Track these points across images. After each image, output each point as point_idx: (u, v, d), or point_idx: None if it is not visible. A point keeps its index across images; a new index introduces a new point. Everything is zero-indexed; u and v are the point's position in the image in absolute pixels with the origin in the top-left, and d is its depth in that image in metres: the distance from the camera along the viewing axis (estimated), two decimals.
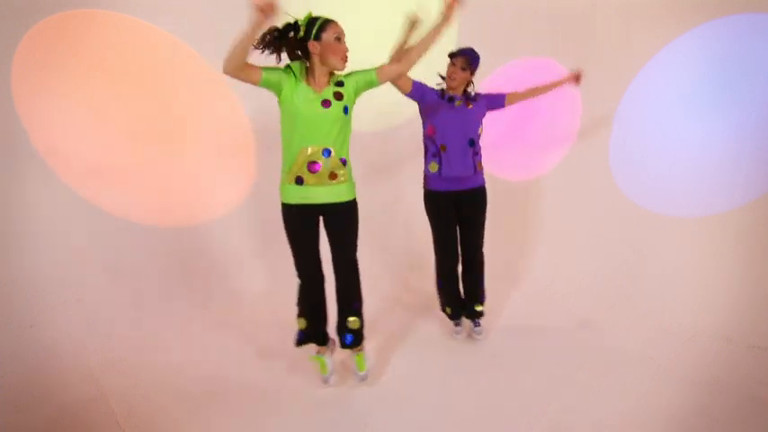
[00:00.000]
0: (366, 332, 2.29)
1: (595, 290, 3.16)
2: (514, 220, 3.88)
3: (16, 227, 2.62)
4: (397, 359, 2.51)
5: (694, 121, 3.22)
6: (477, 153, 2.47)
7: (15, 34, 2.49)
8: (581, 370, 2.36)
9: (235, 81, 1.87)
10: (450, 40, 3.54)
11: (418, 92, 2.40)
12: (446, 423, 2.02)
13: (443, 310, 2.74)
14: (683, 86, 3.24)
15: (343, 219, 2.09)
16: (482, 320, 2.72)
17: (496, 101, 2.52)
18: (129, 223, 2.95)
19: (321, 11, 1.96)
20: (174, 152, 3.07)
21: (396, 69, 2.03)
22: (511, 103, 2.53)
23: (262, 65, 1.88)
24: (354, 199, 2.10)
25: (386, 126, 3.81)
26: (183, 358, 2.52)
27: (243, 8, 3.05)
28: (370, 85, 2.02)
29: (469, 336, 2.71)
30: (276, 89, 1.92)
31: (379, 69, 2.01)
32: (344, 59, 1.94)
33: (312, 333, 2.21)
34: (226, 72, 1.78)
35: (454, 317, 2.71)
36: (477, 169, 2.48)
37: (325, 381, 2.25)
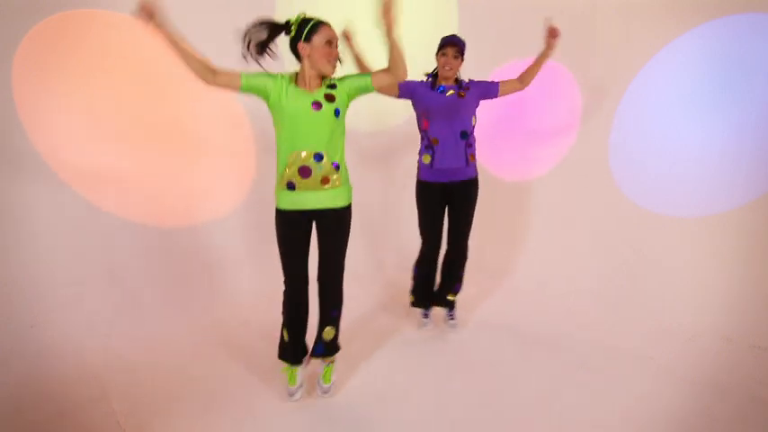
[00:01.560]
0: (358, 333, 2.27)
1: (595, 290, 3.16)
2: (515, 219, 3.89)
3: (16, 227, 2.62)
4: (395, 359, 2.51)
5: (694, 121, 3.21)
6: (470, 145, 2.46)
7: (15, 35, 2.49)
8: (581, 370, 2.36)
9: None
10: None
11: (407, 91, 2.41)
12: (446, 423, 2.02)
13: (411, 301, 2.73)
14: (683, 86, 3.24)
15: (336, 225, 2.03)
16: (482, 319, 2.72)
17: (490, 90, 2.46)
18: (129, 223, 2.95)
19: (319, 9, 1.95)
20: (174, 152, 3.07)
21: (389, 78, 1.88)
22: (505, 92, 2.46)
23: (244, 71, 1.86)
24: (349, 205, 2.05)
25: (382, 126, 3.82)
26: (183, 358, 2.52)
27: (243, 8, 3.07)
28: (365, 90, 1.95)
29: (443, 327, 2.72)
30: (262, 94, 1.87)
31: (373, 75, 1.91)
32: (333, 64, 1.87)
33: (291, 347, 2.14)
34: (207, 84, 1.82)
35: (415, 304, 2.71)
36: (469, 161, 2.46)
37: (291, 394, 2.13)
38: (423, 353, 2.58)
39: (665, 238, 3.33)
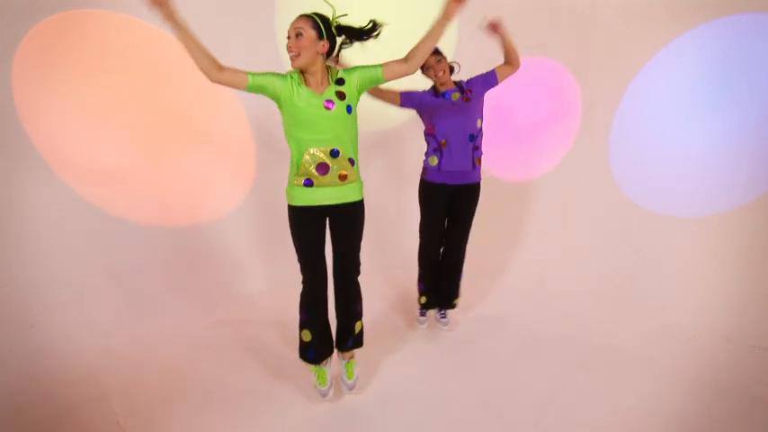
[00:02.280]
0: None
1: (595, 290, 3.16)
2: (515, 220, 3.89)
3: (16, 227, 2.62)
4: (397, 359, 2.51)
5: (694, 121, 3.22)
6: (477, 148, 2.47)
7: (15, 35, 2.49)
8: (581, 370, 2.36)
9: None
10: (450, 41, 3.55)
11: (410, 101, 2.41)
12: (446, 423, 2.02)
13: (419, 300, 2.75)
14: (683, 86, 3.24)
15: (351, 219, 2.05)
16: (483, 319, 2.73)
17: (489, 80, 2.45)
18: (129, 223, 2.95)
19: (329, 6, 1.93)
20: (174, 152, 3.08)
21: (404, 69, 1.91)
22: (503, 76, 2.44)
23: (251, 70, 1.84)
24: (362, 199, 2.07)
25: (384, 126, 3.81)
26: (183, 358, 2.53)
27: (242, 8, 3.07)
28: (376, 81, 1.95)
29: (435, 325, 2.75)
30: (270, 94, 1.87)
31: (385, 66, 1.91)
32: (292, 57, 1.83)
33: (317, 345, 2.12)
34: (211, 81, 1.77)
35: (428, 306, 2.71)
36: (475, 164, 2.48)
37: (324, 394, 2.13)
38: (422, 353, 2.58)
39: (665, 238, 3.33)
